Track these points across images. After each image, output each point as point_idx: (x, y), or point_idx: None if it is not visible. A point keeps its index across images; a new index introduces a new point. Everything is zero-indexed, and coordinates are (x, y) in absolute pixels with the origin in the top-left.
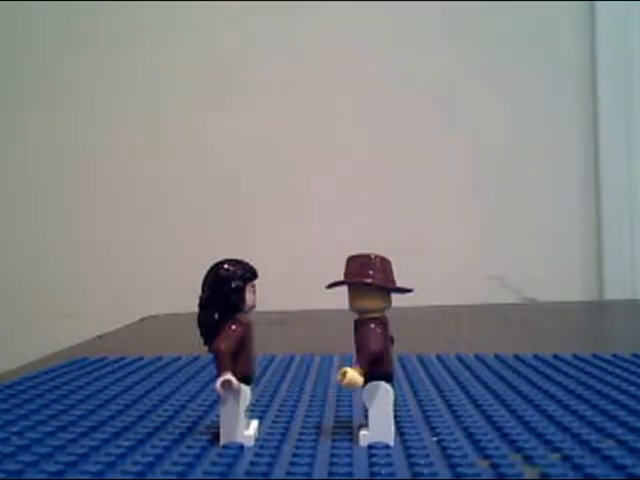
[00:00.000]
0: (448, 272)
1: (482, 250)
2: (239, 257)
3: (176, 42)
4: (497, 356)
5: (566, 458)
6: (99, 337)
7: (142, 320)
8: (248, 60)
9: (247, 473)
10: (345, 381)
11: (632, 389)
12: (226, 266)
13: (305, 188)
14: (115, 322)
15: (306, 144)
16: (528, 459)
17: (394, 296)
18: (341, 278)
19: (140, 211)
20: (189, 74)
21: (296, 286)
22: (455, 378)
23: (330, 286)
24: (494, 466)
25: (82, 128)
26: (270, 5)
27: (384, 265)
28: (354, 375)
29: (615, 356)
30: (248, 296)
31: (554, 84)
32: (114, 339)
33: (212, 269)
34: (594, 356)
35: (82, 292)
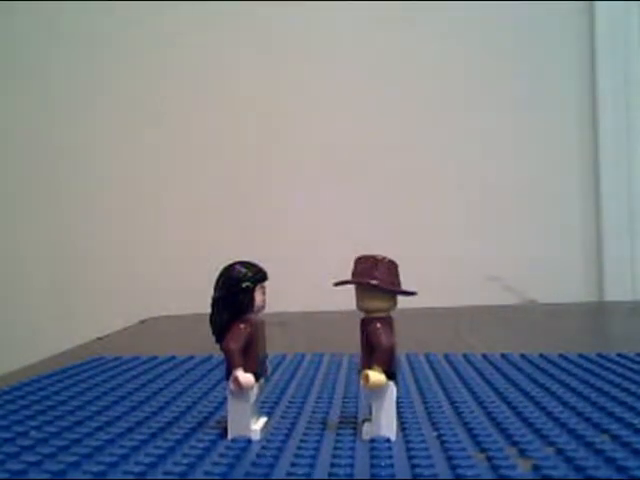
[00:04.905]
0: (448, 273)
1: (482, 250)
2: (239, 258)
3: (173, 42)
4: (504, 355)
5: (560, 451)
6: (99, 339)
7: (142, 322)
8: (248, 60)
9: (253, 464)
10: (370, 384)
11: (633, 387)
12: (237, 267)
13: (305, 190)
14: (113, 325)
15: (305, 145)
16: (523, 452)
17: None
18: (347, 278)
19: (141, 212)
20: (188, 74)
21: (296, 288)
22: (460, 377)
23: (337, 284)
24: (490, 459)
25: (82, 128)
26: (270, 4)
27: (390, 267)
28: (375, 375)
29: (620, 355)
30: (258, 297)
31: (553, 84)
32: (116, 340)
33: (224, 270)
34: (599, 355)
35: (81, 293)
